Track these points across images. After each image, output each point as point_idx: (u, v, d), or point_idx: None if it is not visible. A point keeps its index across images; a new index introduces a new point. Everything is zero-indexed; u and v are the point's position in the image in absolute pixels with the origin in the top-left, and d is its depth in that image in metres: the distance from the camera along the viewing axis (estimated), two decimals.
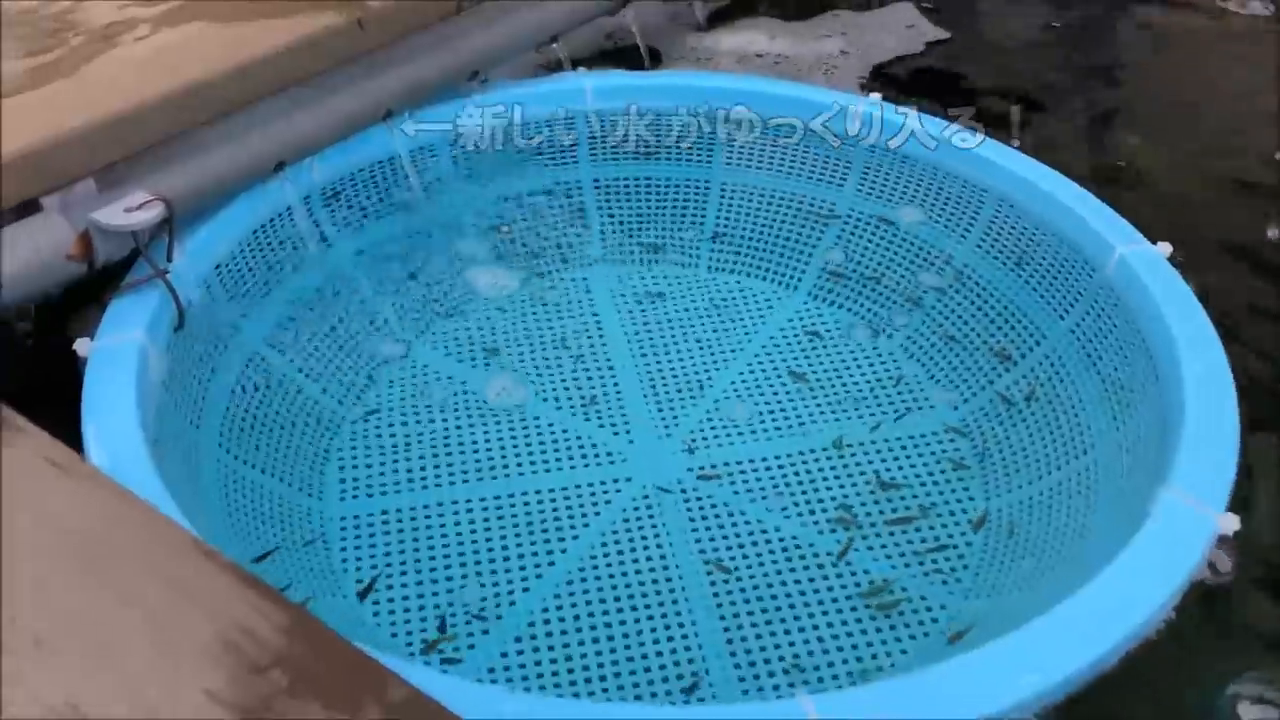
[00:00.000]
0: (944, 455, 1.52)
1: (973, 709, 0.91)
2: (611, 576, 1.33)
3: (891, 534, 1.41)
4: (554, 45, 1.82)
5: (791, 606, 1.30)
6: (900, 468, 1.50)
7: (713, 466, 1.48)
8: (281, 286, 1.53)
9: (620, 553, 1.36)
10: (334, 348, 1.58)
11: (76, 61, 1.39)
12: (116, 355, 1.22)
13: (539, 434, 1.52)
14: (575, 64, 1.82)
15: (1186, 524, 1.07)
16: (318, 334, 1.56)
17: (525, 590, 1.32)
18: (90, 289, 1.33)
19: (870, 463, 1.50)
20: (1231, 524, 1.08)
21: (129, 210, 1.26)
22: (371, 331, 1.63)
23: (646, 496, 1.44)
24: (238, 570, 0.78)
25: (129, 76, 1.34)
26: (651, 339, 1.69)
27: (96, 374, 1.19)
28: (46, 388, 1.20)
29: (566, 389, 1.60)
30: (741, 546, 1.38)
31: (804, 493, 1.45)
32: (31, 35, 1.45)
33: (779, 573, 1.35)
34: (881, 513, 1.43)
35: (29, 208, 1.25)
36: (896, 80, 2.11)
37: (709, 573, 1.34)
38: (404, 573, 1.34)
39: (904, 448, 1.53)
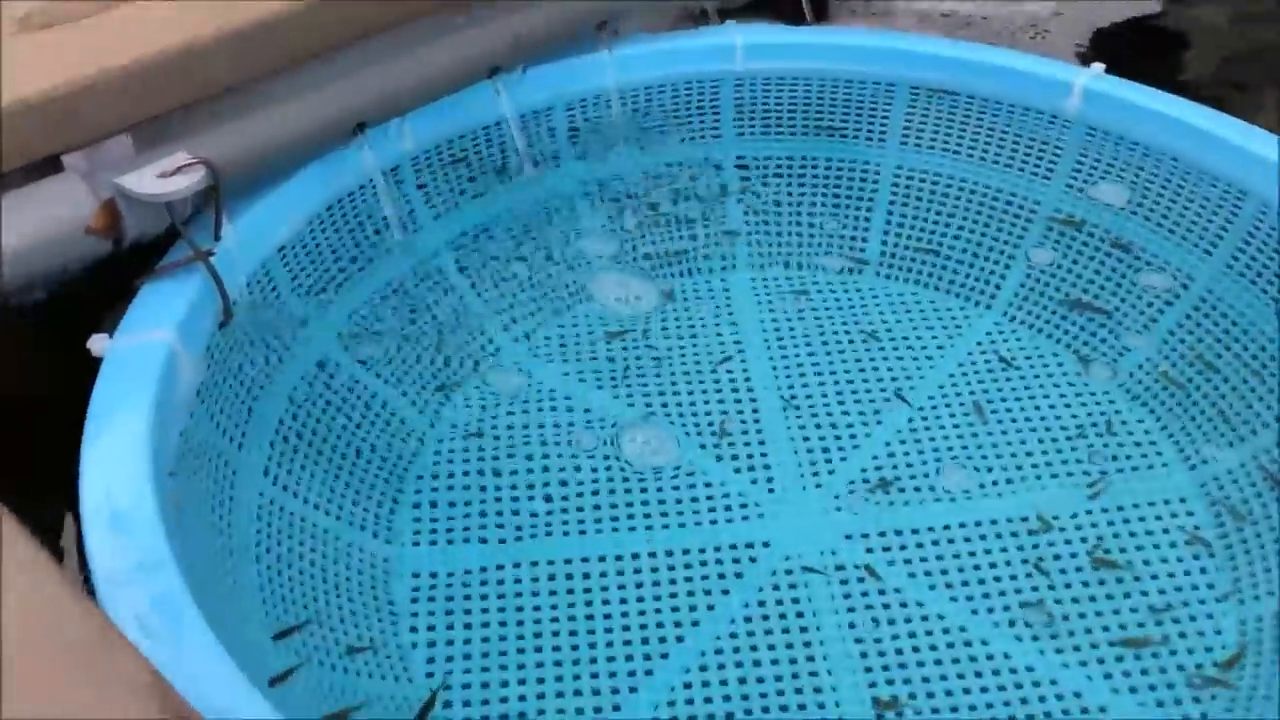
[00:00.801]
0: (1179, 534, 1.16)
1: None
2: (742, 681, 1.03)
3: (1113, 646, 1.07)
4: None
5: None
6: (1122, 548, 1.15)
7: (878, 534, 1.16)
8: (359, 276, 1.26)
9: (754, 648, 1.06)
10: (420, 353, 1.30)
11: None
12: (137, 358, 0.96)
13: (658, 473, 1.22)
14: (723, 15, 1.50)
15: None
16: (401, 335, 1.29)
17: (633, 691, 1.02)
18: (125, 272, 1.08)
19: (1083, 539, 1.16)
20: None
21: (163, 175, 1.00)
22: (466, 334, 1.35)
23: (790, 572, 1.12)
24: None
25: (180, 10, 1.08)
26: (802, 362, 1.36)
27: (110, 382, 0.94)
28: (54, 398, 0.97)
29: (695, 417, 1.29)
30: (918, 657, 1.05)
31: (996, 579, 1.12)
32: None
33: (966, 692, 1.02)
34: (1099, 613, 1.09)
35: (47, 167, 1.00)
36: (1124, 48, 1.70)
37: (874, 702, 1.02)
38: (485, 653, 1.06)
39: (1126, 520, 1.18)
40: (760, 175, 1.50)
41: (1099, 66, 1.38)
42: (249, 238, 1.12)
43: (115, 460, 0.87)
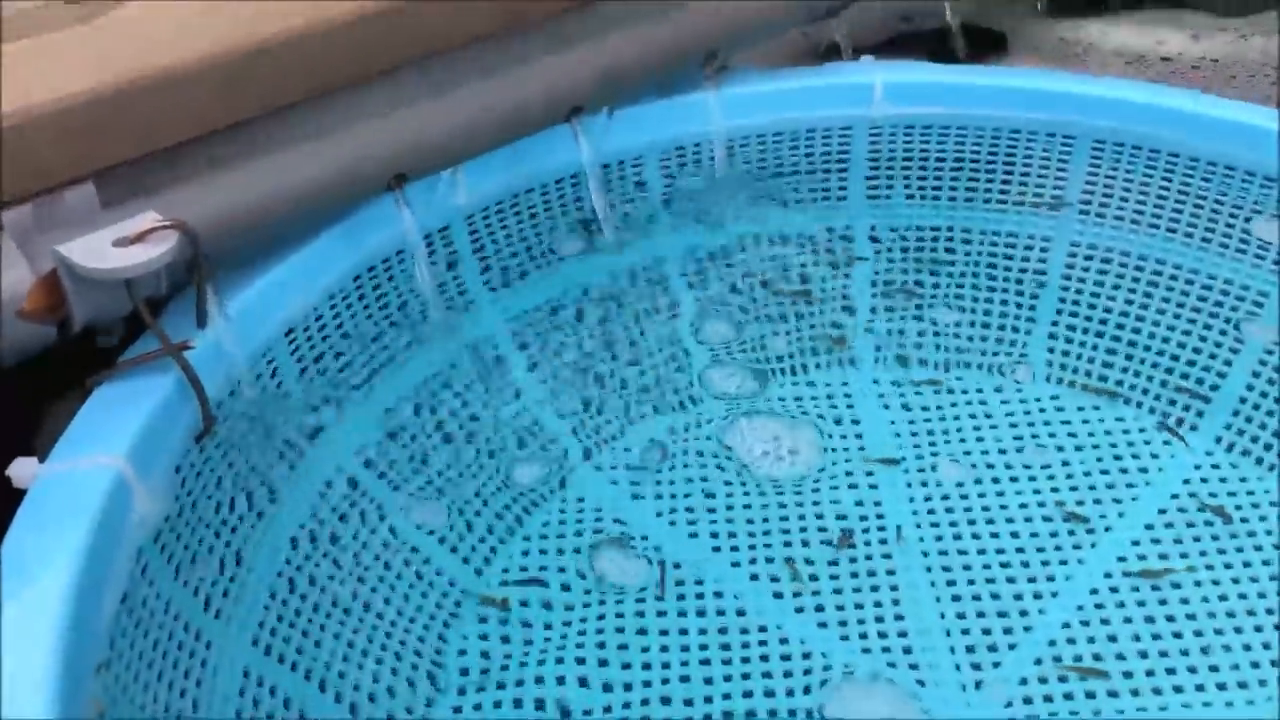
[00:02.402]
0: None
1: None
2: None
3: None
4: (829, 23, 1.21)
5: None
6: None
7: None
8: (392, 369, 0.99)
9: None
10: (468, 473, 1.02)
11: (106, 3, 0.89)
12: (70, 493, 0.69)
13: (762, 655, 0.92)
14: (858, 51, 1.21)
15: None
16: (441, 450, 1.01)
17: None
18: (79, 365, 0.82)
19: None
20: None
21: (121, 244, 0.74)
22: (530, 448, 1.07)
23: None
24: None
25: (175, 27, 0.83)
26: (949, 499, 1.06)
27: (25, 530, 0.67)
28: None
29: (811, 575, 0.99)
30: None
31: None
32: None
33: None
34: None
35: None
36: None
37: None
38: None
39: None
40: (898, 248, 1.20)
41: None
42: (247, 319, 0.85)
43: (11, 655, 0.60)
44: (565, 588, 0.97)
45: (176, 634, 0.74)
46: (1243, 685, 0.89)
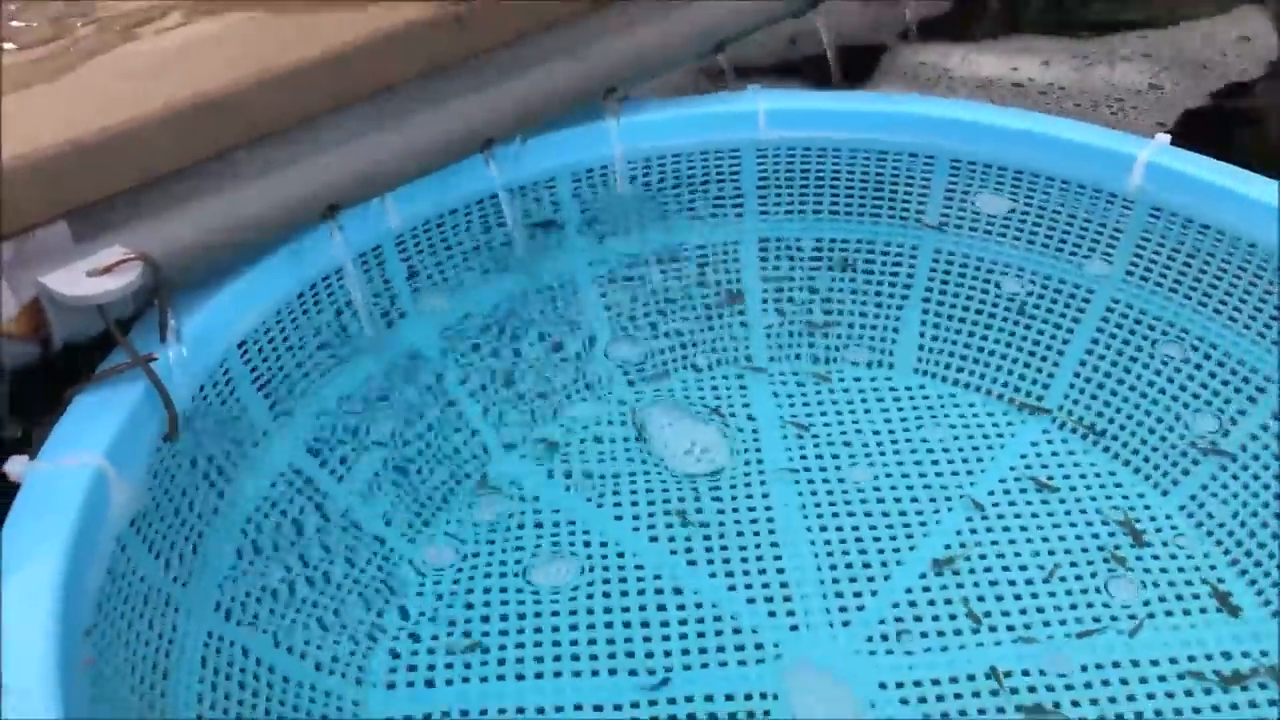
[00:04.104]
0: (1262, 695, 1.01)
1: None
2: None
3: None
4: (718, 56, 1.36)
5: None
6: (1195, 707, 1.00)
7: (914, 684, 1.01)
8: (334, 375, 1.13)
9: None
10: (404, 464, 1.17)
11: (72, 59, 1.01)
12: (58, 486, 0.83)
13: (659, 603, 1.08)
14: (749, 75, 1.36)
15: None
16: (379, 443, 1.15)
17: None
18: (60, 378, 0.95)
19: (1148, 694, 1.01)
20: None
21: (94, 274, 0.87)
22: (457, 440, 1.21)
23: None
24: None
25: (128, 84, 0.96)
26: (827, 472, 1.22)
27: (22, 518, 0.80)
28: None
29: (706, 540, 1.14)
30: None
31: None
32: (28, 17, 1.09)
33: None
34: None
35: None
36: (1217, 122, 1.54)
37: None
38: None
39: (1197, 672, 1.03)
40: (785, 258, 1.36)
41: (1164, 138, 1.23)
42: (204, 336, 0.98)
43: (13, 620, 0.74)
44: (487, 563, 1.12)
45: (151, 601, 0.88)
46: (1078, 620, 1.06)
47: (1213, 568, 1.13)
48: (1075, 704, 0.99)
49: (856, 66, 1.60)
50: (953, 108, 1.30)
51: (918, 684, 1.01)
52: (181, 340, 0.95)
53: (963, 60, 1.61)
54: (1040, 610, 1.07)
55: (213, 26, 1.08)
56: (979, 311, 1.32)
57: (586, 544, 1.14)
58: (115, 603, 0.84)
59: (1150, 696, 1.00)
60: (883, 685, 1.01)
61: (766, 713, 0.99)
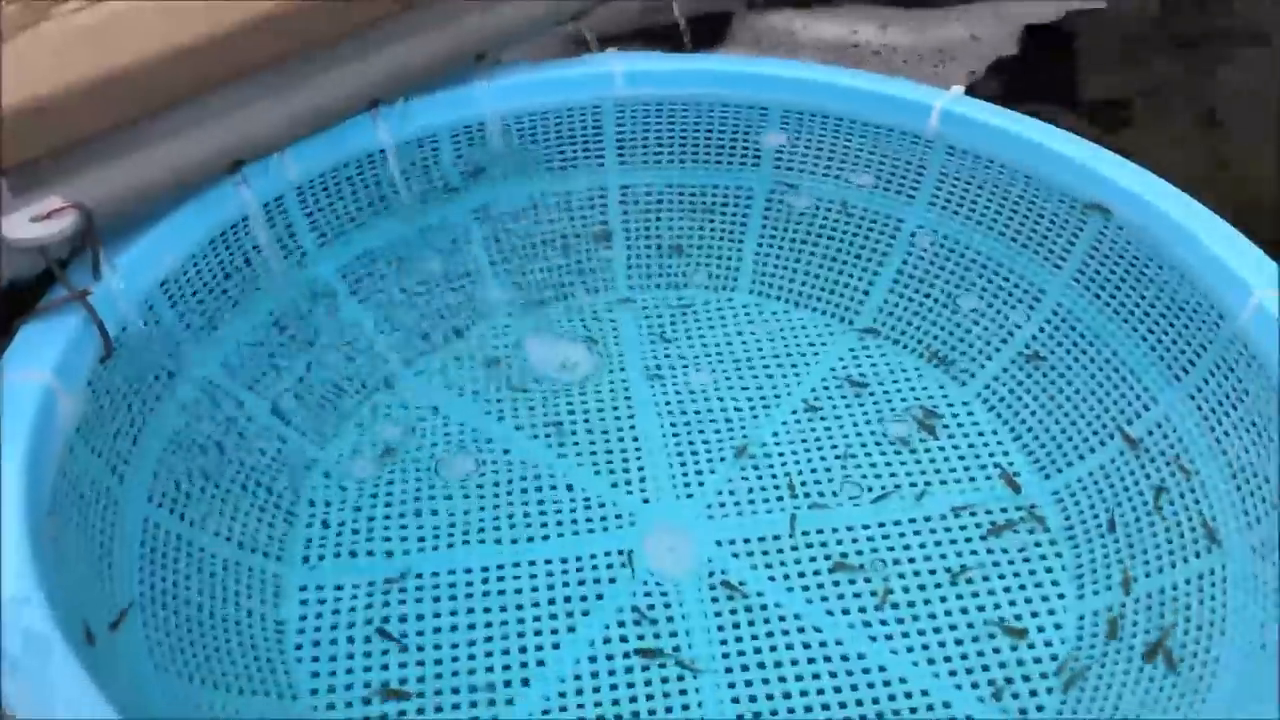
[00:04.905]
0: (1029, 539, 1.25)
1: None
2: (614, 688, 1.10)
3: (960, 642, 1.15)
4: (576, 24, 1.55)
5: None
6: (974, 551, 1.24)
7: (743, 540, 1.23)
8: (245, 305, 1.30)
9: (626, 654, 1.13)
10: (306, 376, 1.35)
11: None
12: (13, 399, 1.00)
13: (537, 487, 1.29)
14: (605, 43, 1.55)
15: None
16: (286, 360, 1.33)
17: (509, 703, 1.09)
18: (6, 313, 1.11)
19: (937, 543, 1.24)
20: None
21: (36, 220, 1.04)
22: (352, 359, 1.40)
23: (659, 582, 1.19)
24: None
25: (52, 57, 1.12)
26: (676, 378, 1.44)
27: None
28: None
29: (576, 436, 1.36)
30: (775, 656, 1.13)
31: (851, 581, 1.20)
32: None
33: (817, 678, 1.10)
34: (948, 613, 1.17)
35: None
36: (1020, 72, 1.77)
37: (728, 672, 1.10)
38: (367, 669, 1.11)
39: (979, 525, 1.27)
40: (643, 202, 1.56)
41: (958, 89, 1.46)
42: (131, 274, 1.15)
43: None
44: (382, 460, 1.32)
45: (97, 492, 1.05)
46: (876, 488, 1.29)
47: (1000, 443, 1.36)
48: (860, 552, 1.23)
49: (709, 32, 1.80)
50: (785, 67, 1.51)
51: (746, 540, 1.24)
52: (112, 277, 1.12)
53: (805, 25, 1.82)
54: (848, 480, 1.30)
55: (122, 7, 1.23)
56: (806, 240, 1.54)
57: (477, 444, 1.34)
58: (69, 495, 1.01)
59: (926, 545, 1.24)
60: (718, 542, 1.23)
61: (625, 565, 1.20)
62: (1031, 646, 1.15)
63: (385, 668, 1.12)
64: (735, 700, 1.10)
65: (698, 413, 1.39)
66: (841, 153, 1.50)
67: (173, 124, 1.16)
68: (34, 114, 1.06)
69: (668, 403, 1.40)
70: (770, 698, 1.10)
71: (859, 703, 1.10)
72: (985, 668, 1.13)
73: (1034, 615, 1.18)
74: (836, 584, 1.20)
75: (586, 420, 1.38)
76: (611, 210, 1.56)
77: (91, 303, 1.08)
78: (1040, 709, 1.10)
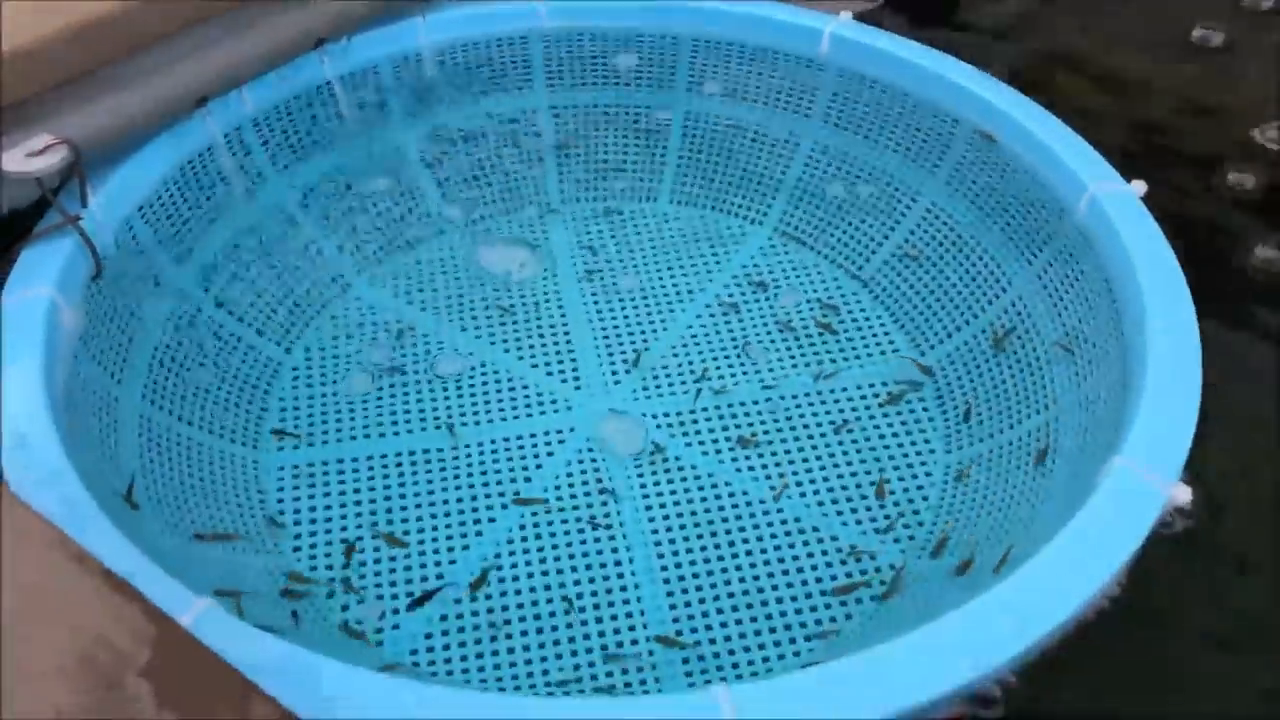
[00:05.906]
0: (905, 405, 1.47)
1: (896, 700, 0.87)
2: (554, 536, 1.30)
3: (845, 489, 1.36)
4: None
5: (739, 569, 1.28)
6: (857, 416, 1.45)
7: (664, 414, 1.44)
8: (214, 226, 1.46)
9: (563, 510, 1.33)
10: (271, 288, 1.52)
11: None
12: (23, 312, 1.15)
13: (483, 379, 1.48)
14: None
15: (1136, 497, 1.02)
16: (253, 274, 1.50)
17: (465, 549, 1.29)
18: (4, 237, 1.26)
19: (828, 413, 1.45)
20: (1184, 495, 1.03)
21: (31, 154, 1.19)
22: (311, 270, 1.57)
23: (591, 450, 1.39)
24: (105, 575, 0.74)
25: (37, 5, 1.25)
26: (604, 280, 1.63)
27: (3, 334, 1.13)
28: None
29: (517, 333, 1.54)
30: (690, 498, 1.34)
31: (756, 445, 1.41)
32: None
33: (725, 521, 1.31)
34: (835, 465, 1.39)
35: None
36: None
37: (654, 533, 1.31)
38: (344, 528, 1.31)
39: (863, 396, 1.48)
40: (571, 121, 1.73)
41: (846, 15, 1.63)
42: (112, 201, 1.30)
43: (17, 397, 1.07)
44: (342, 359, 1.49)
45: (99, 394, 1.22)
46: (778, 371, 1.49)
47: (886, 333, 1.57)
48: (764, 424, 1.43)
49: None
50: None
51: (666, 414, 1.44)
52: (97, 204, 1.27)
53: None
54: (755, 365, 1.51)
55: None
56: (718, 153, 1.72)
57: (426, 343, 1.52)
58: (76, 394, 1.17)
59: (818, 413, 1.45)
60: (644, 415, 1.44)
61: (562, 441, 1.40)
62: (906, 491, 1.37)
63: (344, 529, 1.31)
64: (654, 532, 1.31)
65: (623, 310, 1.58)
66: (745, 76, 1.68)
67: (146, 65, 1.30)
68: (24, 58, 1.20)
69: (596, 302, 1.59)
70: (683, 528, 1.31)
71: (761, 539, 1.32)
72: (869, 508, 1.35)
73: (909, 466, 1.39)
74: (745, 449, 1.40)
75: (525, 318, 1.56)
76: (545, 130, 1.73)
77: (81, 227, 1.24)
78: (918, 516, 1.32)
